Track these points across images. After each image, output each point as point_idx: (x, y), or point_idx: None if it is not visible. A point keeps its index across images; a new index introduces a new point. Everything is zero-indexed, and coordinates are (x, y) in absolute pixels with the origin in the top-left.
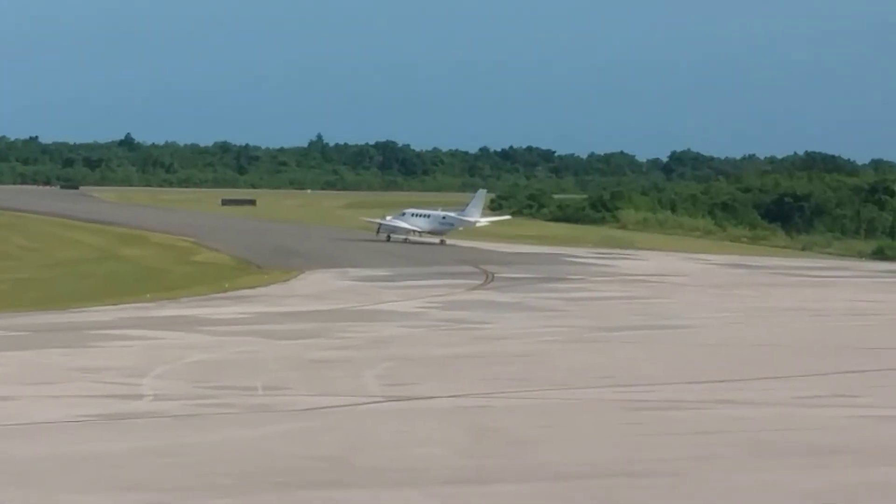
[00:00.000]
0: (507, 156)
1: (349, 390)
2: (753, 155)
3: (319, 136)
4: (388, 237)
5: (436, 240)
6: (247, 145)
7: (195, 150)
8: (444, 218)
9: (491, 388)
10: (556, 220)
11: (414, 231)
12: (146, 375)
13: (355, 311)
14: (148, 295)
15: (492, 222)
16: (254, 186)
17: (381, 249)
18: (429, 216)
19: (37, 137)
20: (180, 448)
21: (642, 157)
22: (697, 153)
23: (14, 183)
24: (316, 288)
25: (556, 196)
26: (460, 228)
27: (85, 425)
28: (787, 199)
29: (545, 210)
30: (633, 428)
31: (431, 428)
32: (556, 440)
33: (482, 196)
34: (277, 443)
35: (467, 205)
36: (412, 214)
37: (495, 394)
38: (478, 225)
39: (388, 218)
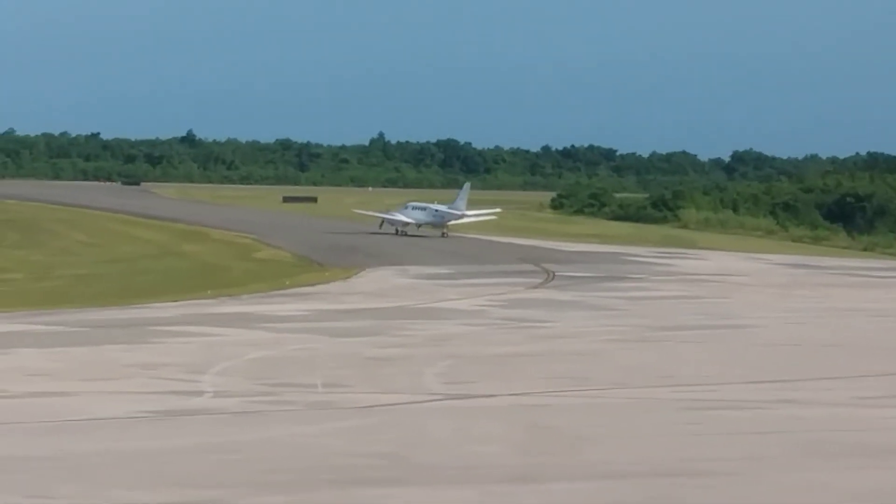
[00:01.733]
0: (569, 154)
1: (408, 388)
2: (815, 155)
3: (381, 134)
4: (397, 230)
5: (437, 232)
6: (308, 143)
7: (256, 147)
8: (436, 211)
9: (550, 387)
10: (617, 219)
11: (410, 223)
12: (205, 372)
13: (415, 309)
14: (208, 291)
15: (478, 215)
16: (315, 184)
17: (441, 248)
18: (425, 209)
19: (98, 134)
20: (238, 445)
21: (704, 157)
22: (759, 153)
23: (75, 179)
24: (376, 285)
25: (617, 195)
26: (450, 222)
27: (143, 422)
28: (848, 200)
29: (606, 209)
30: (691, 427)
31: (489, 426)
32: (614, 439)
33: (467, 190)
34: (335, 440)
35: (456, 199)
36: (412, 207)
37: (554, 392)
38: (464, 219)
39: (391, 211)
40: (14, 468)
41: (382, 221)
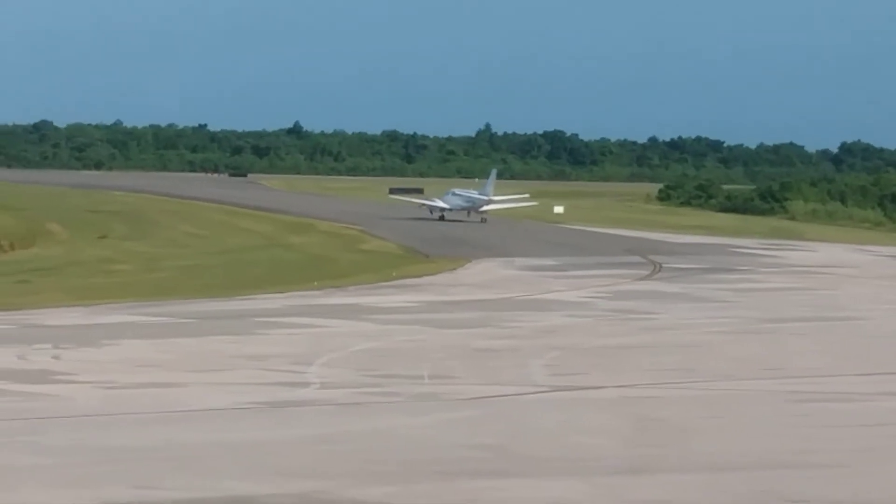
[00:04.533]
0: (676, 146)
1: (515, 380)
2: None
3: (487, 125)
4: (441, 216)
5: (476, 217)
6: (415, 134)
7: (363, 138)
8: (469, 197)
9: (657, 379)
10: (724, 210)
11: (447, 208)
12: (312, 363)
13: (522, 301)
14: (315, 283)
15: (508, 200)
16: (422, 175)
17: (549, 239)
18: (460, 196)
19: (205, 125)
20: (345, 436)
21: (812, 148)
22: (868, 144)
23: (183, 170)
24: (482, 277)
25: (724, 187)
26: (482, 207)
27: (249, 413)
28: None
29: (713, 201)
30: (799, 419)
31: (596, 418)
32: (721, 431)
33: (494, 176)
34: (441, 431)
35: (485, 185)
36: (452, 194)
37: (661, 384)
38: (492, 204)
39: (433, 198)
40: (122, 458)
41: (423, 206)
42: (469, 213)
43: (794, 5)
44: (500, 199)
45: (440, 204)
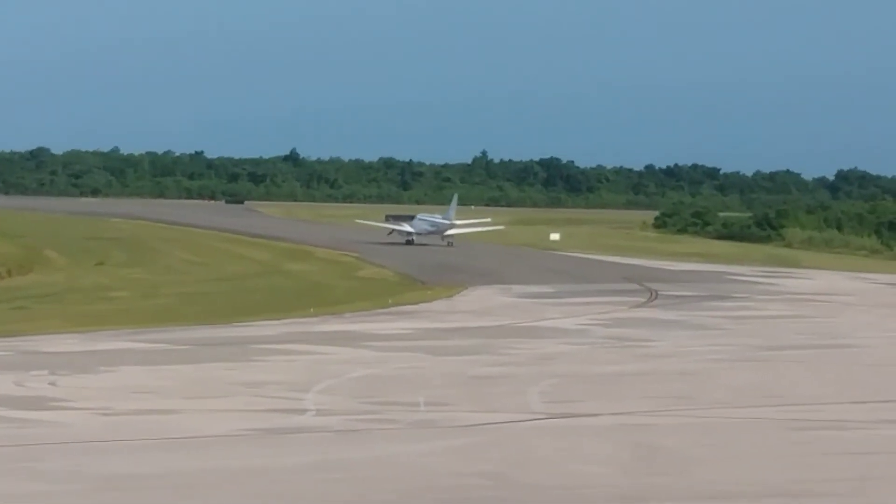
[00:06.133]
0: (672, 173)
1: (512, 407)
2: None
3: (484, 153)
4: (409, 240)
5: (441, 241)
6: (411, 161)
7: (359, 165)
8: (433, 222)
9: (654, 406)
10: (720, 237)
11: (413, 233)
12: (309, 390)
13: (518, 328)
14: (312, 310)
15: (470, 225)
16: (418, 202)
17: (546, 266)
18: (425, 220)
19: (202, 152)
20: (342, 463)
21: (808, 176)
22: (864, 172)
23: (180, 197)
24: (479, 304)
25: (720, 214)
26: (447, 231)
27: (247, 439)
28: None
29: (710, 228)
30: (797, 448)
31: (594, 446)
32: (719, 459)
33: (455, 201)
34: (439, 459)
35: (448, 210)
36: (419, 219)
37: (658, 412)
38: (454, 229)
39: (400, 222)
40: (119, 486)
41: (391, 231)
42: (442, 237)
43: (790, 34)
44: (462, 224)
45: (407, 228)
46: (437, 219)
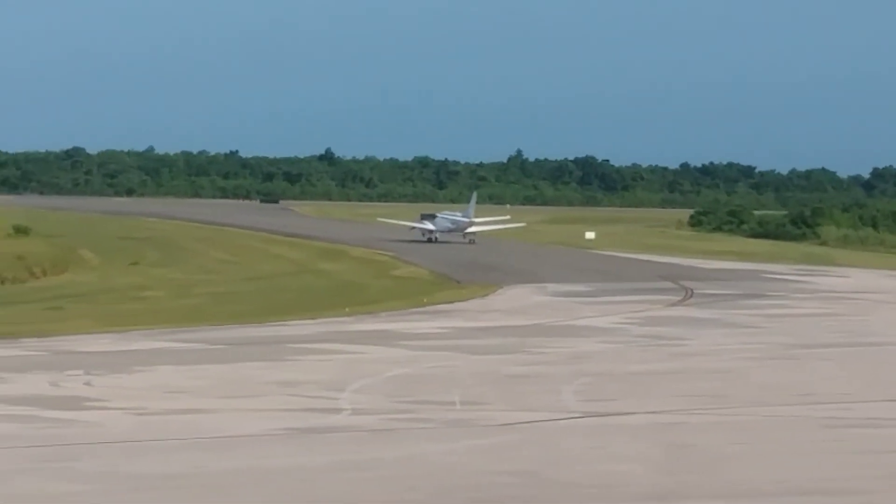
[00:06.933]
0: (708, 171)
1: (546, 406)
2: None
3: (519, 152)
4: (429, 239)
5: (462, 238)
6: (446, 160)
7: (394, 164)
8: (453, 220)
9: (688, 405)
10: (755, 236)
11: (435, 231)
12: (344, 389)
13: (553, 327)
14: (346, 309)
15: (490, 222)
16: (453, 201)
17: (581, 265)
18: (446, 218)
19: (237, 152)
20: (377, 462)
21: (843, 174)
22: None
23: (214, 197)
24: (514, 303)
25: (756, 212)
26: (466, 230)
27: (281, 439)
28: None
29: (745, 226)
30: (830, 446)
31: (627, 444)
32: (752, 457)
33: (475, 199)
34: (473, 457)
35: (467, 208)
36: (441, 217)
37: (692, 410)
38: (473, 227)
39: (422, 220)
40: (154, 485)
41: (413, 228)
42: (463, 234)
43: (828, 33)
44: (481, 221)
45: (429, 226)
46: (458, 216)
